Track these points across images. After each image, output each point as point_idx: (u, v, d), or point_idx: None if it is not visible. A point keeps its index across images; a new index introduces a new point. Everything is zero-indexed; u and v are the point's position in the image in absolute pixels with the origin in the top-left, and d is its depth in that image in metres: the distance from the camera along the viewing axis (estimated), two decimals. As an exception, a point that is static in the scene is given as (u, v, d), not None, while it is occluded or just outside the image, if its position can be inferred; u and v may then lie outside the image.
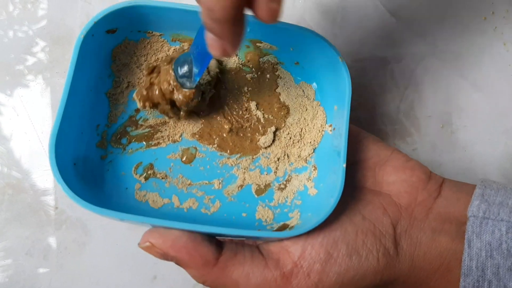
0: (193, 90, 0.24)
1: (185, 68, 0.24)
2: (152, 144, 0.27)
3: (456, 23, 0.35)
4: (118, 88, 0.27)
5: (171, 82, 0.24)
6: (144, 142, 0.27)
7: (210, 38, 0.19)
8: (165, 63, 0.25)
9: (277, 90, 0.28)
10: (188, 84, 0.24)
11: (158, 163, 0.27)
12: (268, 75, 0.28)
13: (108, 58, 0.27)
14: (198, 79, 0.24)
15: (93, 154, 0.26)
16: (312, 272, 0.22)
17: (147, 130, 0.27)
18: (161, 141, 0.27)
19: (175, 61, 0.24)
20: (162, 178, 0.26)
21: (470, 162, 0.34)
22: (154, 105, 0.26)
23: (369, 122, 0.34)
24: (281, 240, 0.23)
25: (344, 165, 0.23)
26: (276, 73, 0.28)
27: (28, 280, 0.32)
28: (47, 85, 0.33)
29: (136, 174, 0.26)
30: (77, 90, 0.23)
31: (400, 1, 0.34)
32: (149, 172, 0.26)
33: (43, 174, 0.32)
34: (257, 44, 0.27)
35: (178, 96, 0.25)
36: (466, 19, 0.35)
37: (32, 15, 0.33)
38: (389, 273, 0.23)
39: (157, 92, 0.25)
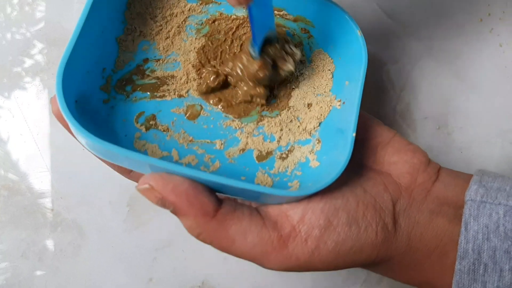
0: (260, 61, 0.25)
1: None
2: (157, 95, 0.26)
3: (452, 24, 0.35)
4: (129, 36, 0.27)
5: (245, 57, 0.26)
6: (149, 93, 0.26)
7: None
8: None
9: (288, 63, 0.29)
10: (254, 55, 0.26)
11: (161, 115, 0.26)
12: (280, 47, 0.28)
13: (123, 4, 0.26)
14: (257, 49, 0.25)
15: (96, 96, 0.25)
16: (310, 237, 0.22)
17: (153, 81, 0.27)
18: (166, 94, 0.27)
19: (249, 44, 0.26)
20: (164, 131, 0.26)
21: (467, 163, 0.34)
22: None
23: (365, 123, 0.34)
24: (280, 204, 0.23)
25: (354, 134, 0.23)
26: (288, 45, 0.28)
27: (24, 283, 0.31)
28: (44, 87, 0.33)
29: (137, 123, 0.26)
30: (90, 27, 0.23)
31: (396, 2, 0.35)
32: (151, 123, 0.26)
33: (40, 176, 0.32)
34: (275, 12, 0.27)
35: (252, 67, 0.26)
36: (462, 20, 0.35)
37: (30, 17, 0.33)
38: (386, 250, 0.23)
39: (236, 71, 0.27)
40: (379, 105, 0.34)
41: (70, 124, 0.21)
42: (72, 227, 0.32)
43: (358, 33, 0.25)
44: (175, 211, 0.21)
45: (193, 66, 0.27)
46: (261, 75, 0.26)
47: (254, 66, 0.26)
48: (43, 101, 0.33)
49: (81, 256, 0.32)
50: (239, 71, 0.26)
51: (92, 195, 0.32)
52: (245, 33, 0.28)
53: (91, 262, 0.32)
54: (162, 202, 0.21)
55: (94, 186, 0.32)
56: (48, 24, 0.33)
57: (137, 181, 0.25)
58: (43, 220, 0.32)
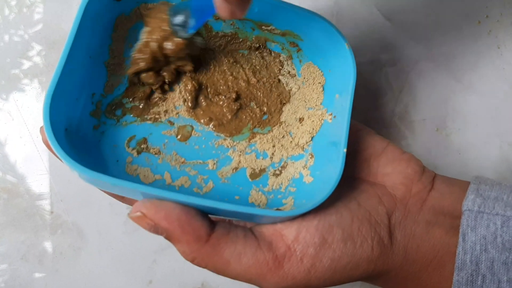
0: (185, 41, 0.24)
1: (180, 18, 0.23)
2: (148, 118, 0.26)
3: (450, 27, 0.35)
4: (117, 58, 0.26)
5: (164, 27, 0.24)
6: (139, 116, 0.26)
7: (218, 1, 0.19)
8: (158, 13, 0.25)
9: (278, 77, 0.28)
10: (181, 34, 0.24)
11: (152, 138, 0.26)
12: (270, 61, 0.28)
13: (110, 26, 0.26)
14: (192, 32, 0.24)
15: (86, 122, 0.25)
16: (305, 256, 0.22)
17: (143, 103, 0.26)
18: (157, 116, 0.26)
19: (171, 8, 0.24)
20: (155, 154, 0.26)
21: (465, 165, 0.34)
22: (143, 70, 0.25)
23: (364, 125, 0.34)
24: (274, 223, 0.23)
25: (345, 150, 0.23)
26: (279, 59, 0.28)
27: (24, 285, 0.31)
28: (42, 89, 0.33)
29: (128, 147, 0.25)
30: (77, 53, 0.23)
31: (394, 5, 0.35)
32: (142, 146, 0.26)
33: (39, 179, 0.32)
34: (263, 27, 0.27)
35: (168, 45, 0.24)
36: (461, 23, 0.35)
37: (28, 19, 0.33)
38: (382, 264, 0.23)
39: (150, 45, 0.25)
40: (377, 107, 0.34)
41: (59, 156, 0.20)
42: (72, 229, 0.32)
43: (346, 46, 0.25)
44: (168, 238, 0.21)
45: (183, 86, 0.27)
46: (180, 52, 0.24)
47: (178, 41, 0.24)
48: (42, 104, 0.33)
49: (81, 259, 0.32)
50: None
51: (92, 197, 0.32)
52: (236, 50, 0.28)
53: (91, 264, 0.32)
54: (155, 229, 0.21)
55: (93, 188, 0.32)
56: (47, 26, 0.33)
57: (131, 205, 0.25)
58: (42, 223, 0.32)
